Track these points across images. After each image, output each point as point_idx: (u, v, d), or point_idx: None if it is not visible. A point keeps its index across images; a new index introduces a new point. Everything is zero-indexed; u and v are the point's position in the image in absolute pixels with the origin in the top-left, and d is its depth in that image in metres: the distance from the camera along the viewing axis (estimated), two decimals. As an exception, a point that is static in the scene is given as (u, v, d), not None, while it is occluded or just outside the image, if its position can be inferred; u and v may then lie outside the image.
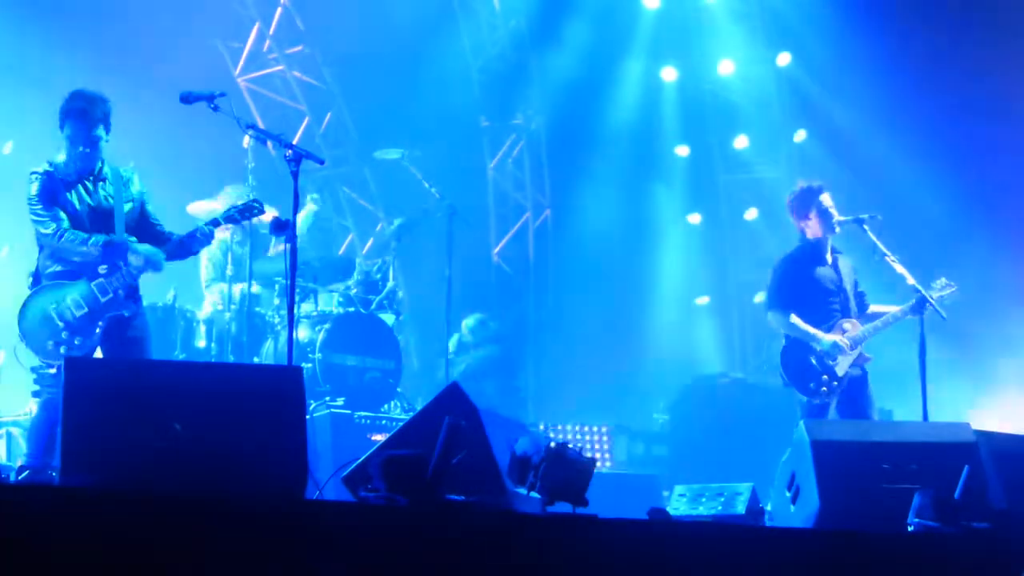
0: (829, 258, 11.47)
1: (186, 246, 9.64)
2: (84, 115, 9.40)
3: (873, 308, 11.48)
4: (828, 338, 11.12)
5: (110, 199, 9.46)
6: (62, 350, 9.12)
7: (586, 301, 18.89)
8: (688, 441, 15.56)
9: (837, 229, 11.40)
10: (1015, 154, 16.83)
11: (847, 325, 11.25)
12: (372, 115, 17.50)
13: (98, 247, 9.26)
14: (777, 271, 11.56)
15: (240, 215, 9.84)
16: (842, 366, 11.09)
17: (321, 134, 17.66)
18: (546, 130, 19.64)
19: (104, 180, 9.49)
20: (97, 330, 9.24)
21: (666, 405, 16.98)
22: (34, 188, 9.36)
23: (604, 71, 18.87)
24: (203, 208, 13.13)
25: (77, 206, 9.37)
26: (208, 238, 9.72)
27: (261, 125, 14.23)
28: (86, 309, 9.20)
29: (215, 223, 9.69)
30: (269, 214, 10.13)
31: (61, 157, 9.45)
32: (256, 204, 9.89)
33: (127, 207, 9.53)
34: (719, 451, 14.58)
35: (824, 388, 11.05)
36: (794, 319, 11.21)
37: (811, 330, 11.15)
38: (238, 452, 6.83)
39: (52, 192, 9.34)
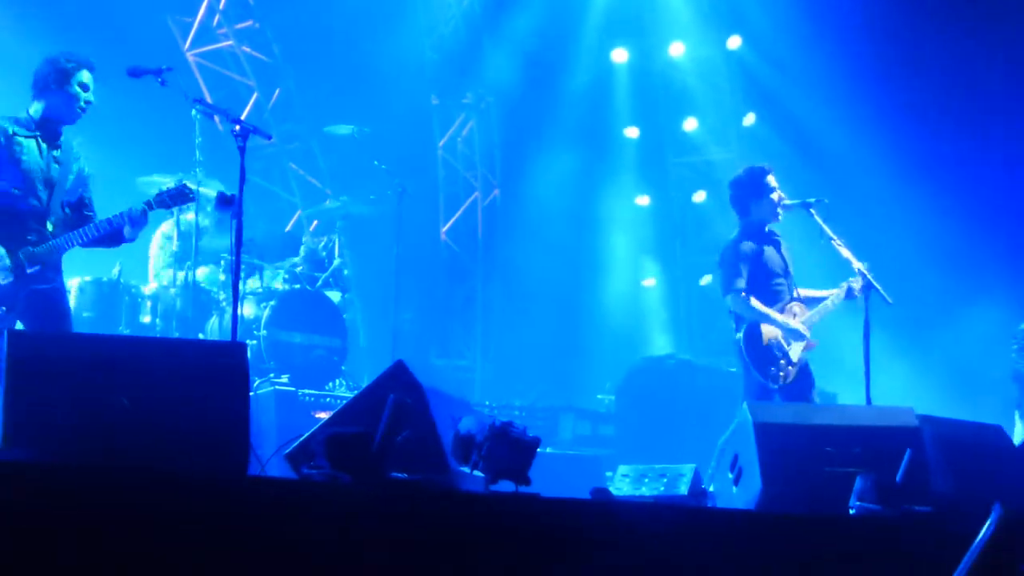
0: (771, 242, 11.49)
1: (116, 228, 9.44)
2: (87, 71, 9.38)
3: (801, 292, 11.50)
4: (793, 324, 11.16)
5: (56, 166, 9.39)
6: None
7: (534, 281, 18.92)
8: (634, 421, 15.56)
9: (781, 213, 11.41)
10: (965, 137, 16.92)
11: (796, 309, 11.29)
12: (322, 91, 17.42)
13: None
14: (728, 255, 11.49)
15: (171, 200, 9.64)
16: (795, 351, 11.13)
17: (270, 110, 17.57)
18: (496, 110, 19.64)
19: (59, 147, 9.42)
20: (17, 302, 9.12)
21: (613, 385, 17.00)
22: None
23: (556, 51, 18.87)
24: (154, 182, 13.09)
25: (31, 162, 9.27)
26: (142, 222, 9.52)
27: (209, 100, 14.20)
28: (12, 278, 9.06)
29: (148, 205, 9.50)
30: (213, 190, 10.08)
31: (31, 110, 9.38)
32: (188, 191, 9.66)
33: (70, 179, 9.47)
34: (665, 432, 14.58)
35: (782, 373, 11.08)
36: (755, 302, 11.18)
37: (774, 314, 11.17)
38: (181, 427, 6.79)
39: None
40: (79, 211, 9.51)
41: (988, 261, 16.67)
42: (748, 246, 11.41)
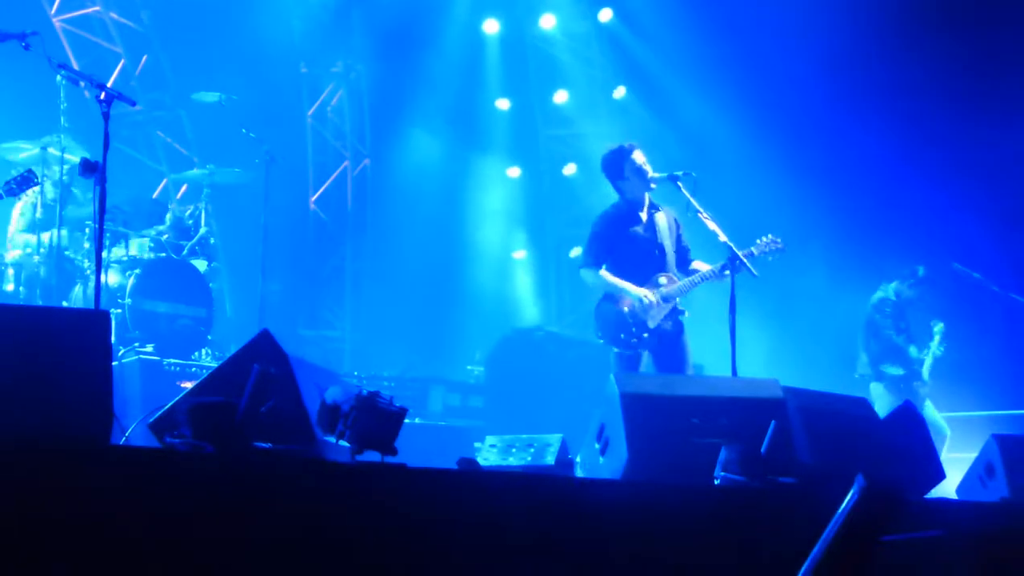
0: (644, 215, 11.57)
1: None
2: None
3: (695, 264, 11.60)
4: (636, 291, 11.25)
5: None
6: None
7: (404, 252, 18.91)
8: (503, 393, 15.63)
9: (652, 186, 11.49)
10: (839, 112, 17.06)
11: (662, 279, 11.36)
12: (190, 59, 17.23)
13: None
14: (591, 229, 11.68)
15: (18, 186, 9.73)
16: (654, 319, 11.22)
17: (137, 77, 17.35)
18: (367, 79, 19.55)
19: None
20: None
21: (482, 357, 17.06)
22: None
23: (427, 21, 18.79)
24: (17, 147, 12.95)
25: None
26: None
27: (76, 66, 14.01)
28: None
29: None
30: (78, 155, 10.03)
31: None
32: (33, 176, 9.77)
33: None
34: (533, 403, 14.64)
35: (634, 339, 11.20)
36: (604, 273, 11.41)
37: (620, 283, 11.30)
38: (42, 396, 6.67)
39: None
40: None
41: (857, 237, 16.87)
42: (608, 220, 11.61)
